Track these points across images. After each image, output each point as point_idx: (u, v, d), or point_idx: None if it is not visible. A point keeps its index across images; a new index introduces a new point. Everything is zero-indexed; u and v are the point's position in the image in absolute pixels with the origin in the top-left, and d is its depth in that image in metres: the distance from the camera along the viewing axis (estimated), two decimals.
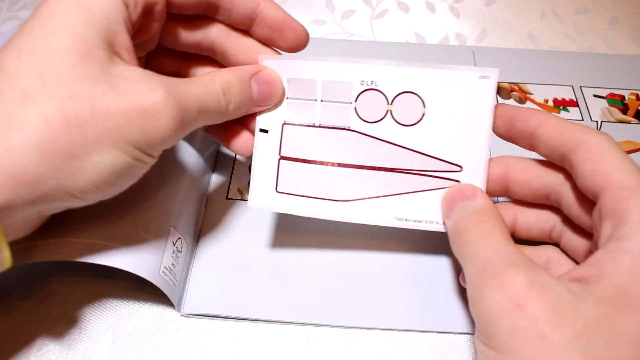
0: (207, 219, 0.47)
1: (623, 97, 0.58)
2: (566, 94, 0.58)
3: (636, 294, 0.29)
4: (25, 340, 0.40)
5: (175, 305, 0.41)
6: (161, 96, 0.32)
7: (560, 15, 0.68)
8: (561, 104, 0.57)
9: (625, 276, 0.30)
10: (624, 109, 0.57)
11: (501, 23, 0.66)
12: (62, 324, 0.41)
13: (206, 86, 0.36)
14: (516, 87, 0.58)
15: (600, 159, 0.33)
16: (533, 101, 0.57)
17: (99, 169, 0.31)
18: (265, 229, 0.46)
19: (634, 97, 0.58)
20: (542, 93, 0.58)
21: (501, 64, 0.61)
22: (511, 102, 0.57)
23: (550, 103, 0.57)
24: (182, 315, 0.42)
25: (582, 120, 0.56)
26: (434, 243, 0.45)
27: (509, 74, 0.60)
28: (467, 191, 0.39)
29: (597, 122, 0.56)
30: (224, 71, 0.38)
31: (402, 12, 0.67)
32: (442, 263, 0.44)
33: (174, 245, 0.41)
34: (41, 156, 0.29)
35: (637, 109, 0.57)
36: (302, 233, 0.46)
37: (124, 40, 0.33)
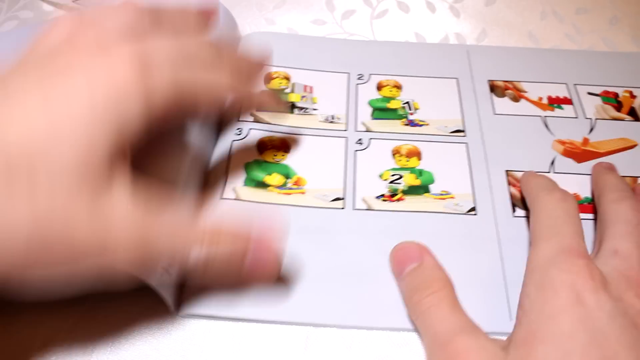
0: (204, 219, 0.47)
1: (617, 95, 0.59)
2: (560, 92, 0.59)
3: (539, 329, 0.34)
4: (26, 340, 0.40)
5: (173, 306, 0.41)
6: (128, 234, 0.32)
7: (560, 15, 0.68)
8: (555, 102, 0.57)
9: (529, 317, 0.35)
10: (618, 107, 0.58)
11: (501, 23, 0.67)
12: (61, 324, 0.41)
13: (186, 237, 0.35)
14: (510, 85, 0.59)
15: None
16: (527, 99, 0.58)
17: (49, 288, 0.32)
18: None
19: (627, 95, 0.59)
20: (536, 91, 0.59)
21: (496, 62, 0.61)
22: (505, 100, 0.58)
23: (545, 101, 0.58)
24: (180, 316, 0.42)
25: (577, 117, 0.56)
26: (433, 243, 0.45)
27: (503, 72, 0.60)
28: (414, 253, 0.42)
29: (590, 119, 0.56)
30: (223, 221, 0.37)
31: (402, 12, 0.67)
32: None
33: None
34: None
35: (631, 107, 0.58)
36: (298, 232, 0.46)
37: (129, 147, 0.34)
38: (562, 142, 0.54)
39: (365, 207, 0.48)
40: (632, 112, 0.57)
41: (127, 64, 0.32)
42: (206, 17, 0.45)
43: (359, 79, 0.58)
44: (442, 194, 0.50)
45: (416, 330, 0.41)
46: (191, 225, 0.35)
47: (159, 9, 0.40)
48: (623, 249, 0.39)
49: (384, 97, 0.57)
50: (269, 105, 0.50)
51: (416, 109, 0.56)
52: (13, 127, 0.30)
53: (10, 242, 0.29)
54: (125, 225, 0.32)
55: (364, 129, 0.54)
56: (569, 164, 0.53)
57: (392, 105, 0.56)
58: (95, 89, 0.31)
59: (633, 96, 0.59)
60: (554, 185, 0.45)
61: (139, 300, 0.42)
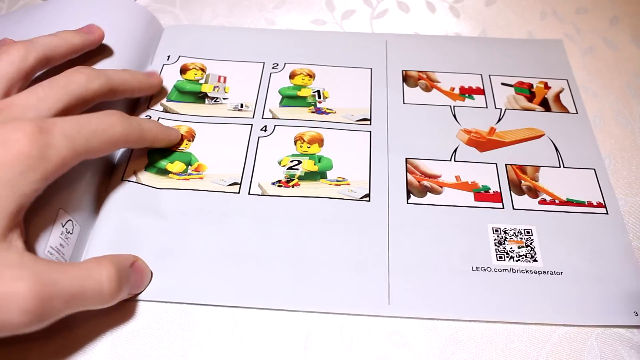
0: (106, 200, 0.49)
1: (531, 85, 0.57)
2: (474, 82, 0.58)
3: None
4: (26, 340, 0.41)
5: None
6: (23, 288, 0.33)
7: (560, 15, 0.66)
8: (467, 92, 0.57)
9: None
10: (531, 97, 0.57)
11: (501, 23, 0.66)
12: (62, 324, 0.40)
13: (89, 274, 0.37)
14: (424, 76, 0.58)
15: None
16: (439, 89, 0.57)
17: None
18: (154, 211, 0.49)
19: (542, 86, 0.57)
20: (450, 81, 0.58)
21: (414, 52, 0.62)
22: (417, 90, 0.57)
23: (457, 90, 0.57)
24: None
25: (487, 107, 0.56)
26: (323, 228, 0.47)
27: (419, 63, 0.60)
28: None
29: (500, 109, 0.56)
30: (108, 258, 0.40)
31: (402, 12, 0.68)
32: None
33: (63, 226, 0.43)
34: None
35: (544, 97, 0.56)
36: (193, 215, 0.48)
37: (23, 212, 0.37)
38: (468, 132, 0.54)
39: (259, 193, 0.50)
40: (544, 103, 0.56)
41: (23, 136, 0.36)
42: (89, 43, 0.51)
43: (273, 68, 0.60)
44: (337, 180, 0.51)
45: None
46: (87, 270, 0.38)
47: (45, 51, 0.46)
48: None
49: (296, 85, 0.58)
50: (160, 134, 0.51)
51: (326, 97, 0.57)
52: None
53: None
54: (15, 276, 0.33)
55: (271, 116, 0.56)
56: (472, 152, 0.52)
57: (302, 93, 0.57)
58: None
59: (547, 87, 0.57)
60: None
61: (139, 299, 0.44)
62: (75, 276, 0.36)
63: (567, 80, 0.59)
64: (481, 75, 0.59)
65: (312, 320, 0.43)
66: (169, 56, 0.60)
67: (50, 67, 0.47)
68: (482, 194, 0.49)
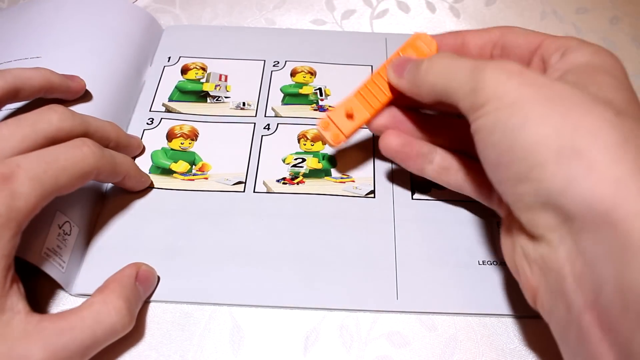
0: (109, 201, 0.49)
1: None
2: None
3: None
4: None
5: (63, 285, 0.42)
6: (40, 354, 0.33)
7: (560, 15, 0.66)
8: None
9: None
10: None
11: (501, 23, 0.66)
12: None
13: (99, 317, 0.37)
14: None
15: None
16: None
17: None
18: (159, 212, 0.49)
19: None
20: None
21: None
22: None
23: None
24: (72, 295, 0.43)
25: None
26: (328, 224, 0.47)
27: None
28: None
29: None
30: (112, 288, 0.39)
31: (402, 12, 0.68)
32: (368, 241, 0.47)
33: (60, 228, 0.43)
34: None
35: None
36: (198, 215, 0.48)
37: (11, 273, 0.36)
38: None
39: (264, 190, 0.50)
40: None
41: None
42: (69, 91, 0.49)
43: (274, 65, 0.60)
44: (342, 177, 0.50)
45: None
46: (97, 313, 0.37)
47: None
48: None
49: (297, 83, 0.58)
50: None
51: (327, 95, 0.57)
52: None
53: None
54: (27, 354, 0.33)
55: (273, 115, 0.56)
56: None
57: (303, 91, 0.57)
58: None
59: None
60: None
61: None
62: (85, 328, 0.36)
63: None
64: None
65: (312, 320, 0.43)
66: (169, 57, 0.60)
67: (21, 100, 0.45)
68: None
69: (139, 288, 0.41)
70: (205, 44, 0.62)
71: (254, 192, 0.49)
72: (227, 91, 0.57)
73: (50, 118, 0.39)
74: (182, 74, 0.59)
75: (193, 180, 0.50)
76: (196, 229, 0.47)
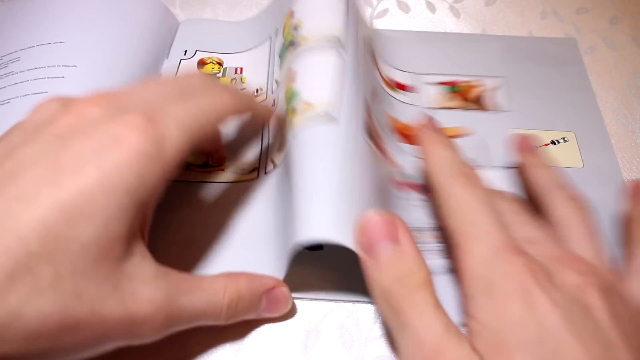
0: None
1: (455, 84, 0.58)
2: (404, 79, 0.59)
3: (508, 338, 0.33)
4: None
5: None
6: (155, 308, 0.32)
7: (560, 15, 0.66)
8: (399, 87, 0.58)
9: (491, 327, 0.34)
10: (456, 96, 0.57)
11: (501, 23, 0.66)
12: None
13: (211, 299, 0.36)
14: None
15: None
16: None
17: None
18: (176, 205, 0.49)
19: (465, 85, 0.58)
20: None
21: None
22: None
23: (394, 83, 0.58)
24: None
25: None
26: None
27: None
28: (388, 229, 0.36)
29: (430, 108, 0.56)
30: (240, 282, 0.38)
31: (402, 12, 0.68)
32: None
33: None
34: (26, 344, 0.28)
35: (469, 96, 0.57)
36: (215, 206, 0.48)
37: (148, 224, 0.35)
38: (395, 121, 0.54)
39: (272, 168, 0.49)
40: (476, 101, 0.57)
41: (133, 131, 0.32)
42: None
43: (275, 36, 0.58)
44: None
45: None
46: (212, 294, 0.36)
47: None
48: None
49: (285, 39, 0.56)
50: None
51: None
52: (27, 210, 0.29)
53: (42, 329, 0.28)
54: (150, 297, 0.32)
55: (277, 87, 0.54)
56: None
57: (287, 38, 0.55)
58: (105, 163, 0.31)
59: (471, 87, 0.58)
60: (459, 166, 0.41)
61: None
62: (201, 299, 0.35)
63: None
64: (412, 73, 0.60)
65: (312, 319, 0.43)
66: (185, 51, 0.60)
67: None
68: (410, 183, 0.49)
69: (262, 302, 0.39)
70: (221, 38, 0.62)
71: (265, 173, 0.49)
72: (243, 83, 0.57)
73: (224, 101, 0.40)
74: (198, 68, 0.59)
75: (210, 172, 0.50)
76: (215, 220, 0.47)
